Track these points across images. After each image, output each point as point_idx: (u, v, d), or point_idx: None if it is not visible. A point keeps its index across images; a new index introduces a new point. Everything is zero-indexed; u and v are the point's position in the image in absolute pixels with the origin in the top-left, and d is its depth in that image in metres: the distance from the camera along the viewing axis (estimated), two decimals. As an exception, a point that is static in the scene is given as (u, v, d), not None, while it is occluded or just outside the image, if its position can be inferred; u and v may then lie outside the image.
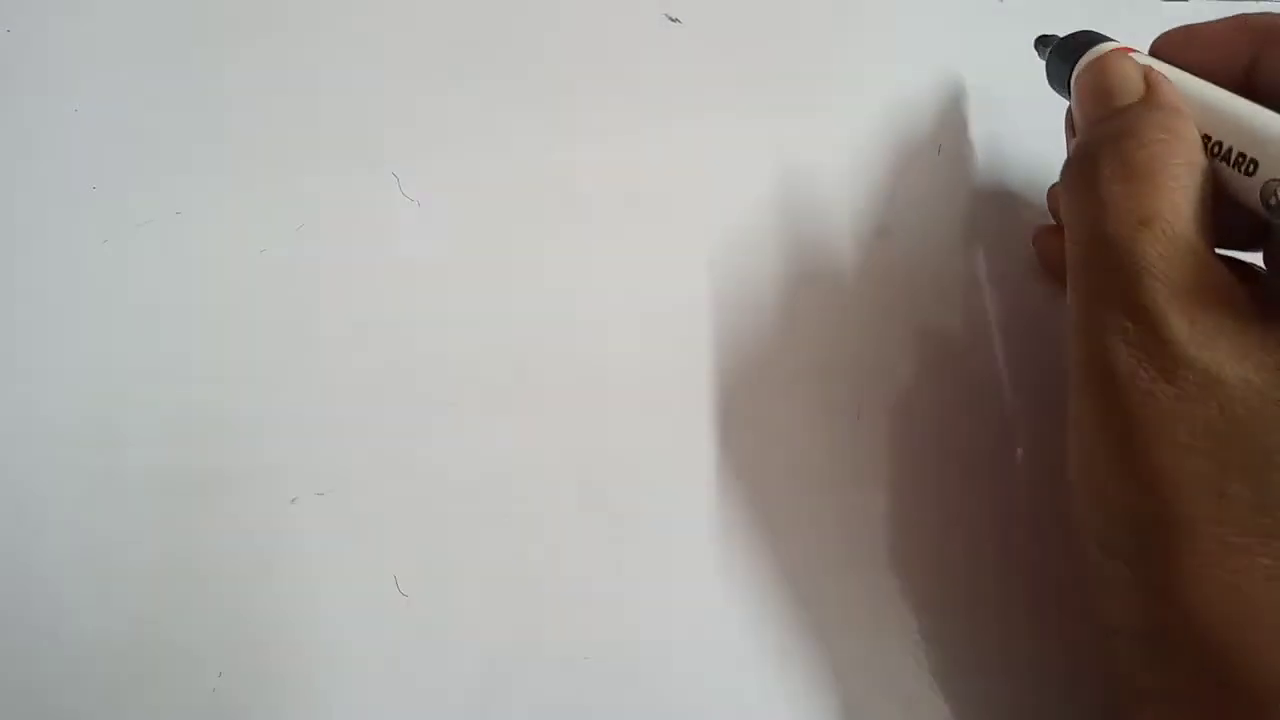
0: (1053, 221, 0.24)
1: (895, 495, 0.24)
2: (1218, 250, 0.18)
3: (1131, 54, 0.20)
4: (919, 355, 0.25)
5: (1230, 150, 0.18)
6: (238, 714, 0.22)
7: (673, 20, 0.25)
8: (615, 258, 0.24)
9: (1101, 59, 0.20)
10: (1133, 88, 0.19)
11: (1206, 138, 0.18)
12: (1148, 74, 0.19)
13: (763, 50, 0.25)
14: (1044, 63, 0.23)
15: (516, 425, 0.24)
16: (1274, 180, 0.17)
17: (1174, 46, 0.20)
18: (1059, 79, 0.22)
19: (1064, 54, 0.22)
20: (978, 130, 0.26)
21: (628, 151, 0.25)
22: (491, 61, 0.24)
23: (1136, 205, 0.17)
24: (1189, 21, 0.21)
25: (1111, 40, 0.21)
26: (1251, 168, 0.18)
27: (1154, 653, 0.17)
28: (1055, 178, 0.20)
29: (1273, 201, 0.17)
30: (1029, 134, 0.25)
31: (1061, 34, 0.22)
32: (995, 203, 0.25)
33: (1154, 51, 0.21)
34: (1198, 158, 0.18)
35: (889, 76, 0.26)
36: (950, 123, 0.26)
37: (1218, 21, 0.20)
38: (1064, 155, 0.22)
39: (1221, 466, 0.16)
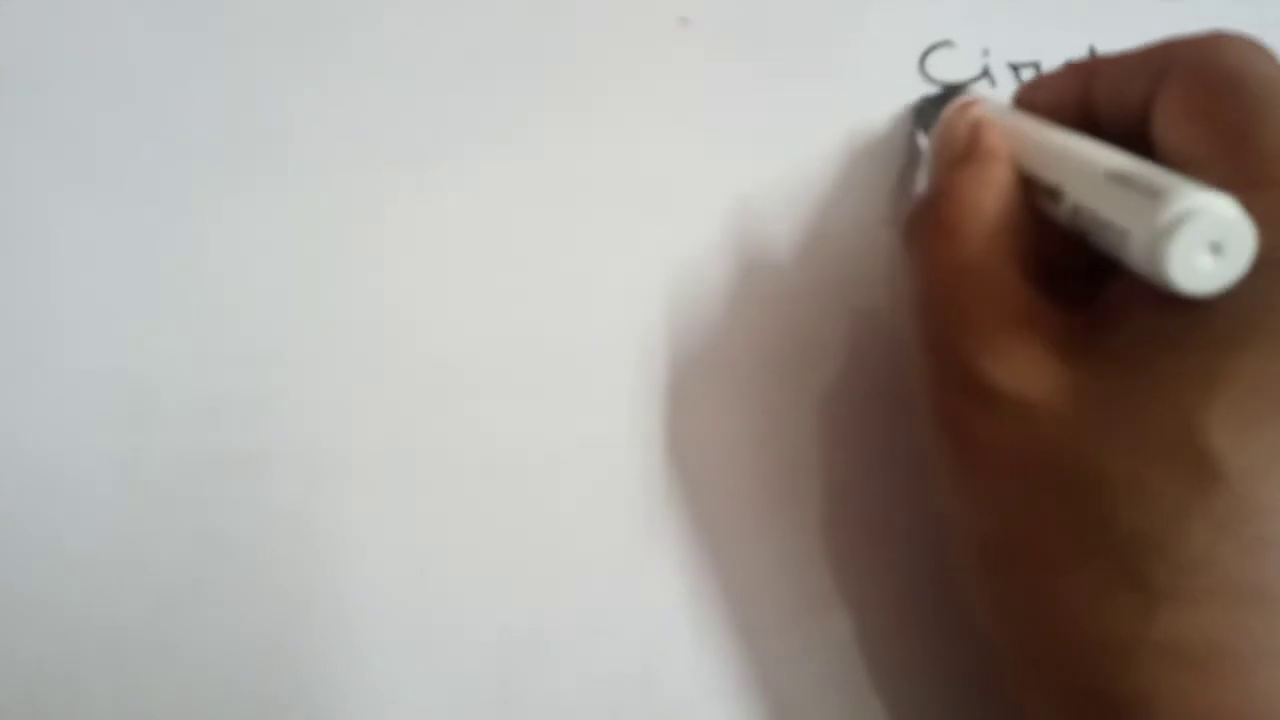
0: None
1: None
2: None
3: (974, 105, 0.22)
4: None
5: (1043, 183, 0.19)
6: (264, 693, 0.23)
7: (684, 21, 0.25)
8: (625, 254, 0.25)
9: (942, 119, 0.22)
10: (959, 143, 0.21)
11: (1031, 177, 0.19)
12: (973, 127, 0.21)
13: (775, 50, 0.26)
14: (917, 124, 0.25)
15: (536, 411, 0.25)
16: (1076, 205, 0.18)
17: (1027, 92, 0.22)
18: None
19: (928, 114, 0.24)
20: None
21: (639, 150, 0.25)
22: (504, 61, 0.25)
23: (947, 258, 0.19)
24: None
25: (963, 95, 0.23)
26: (1059, 197, 0.19)
27: (1002, 647, 0.19)
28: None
29: (1076, 221, 0.18)
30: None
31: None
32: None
33: (1016, 99, 0.22)
34: (1003, 203, 0.19)
35: (903, 72, 0.26)
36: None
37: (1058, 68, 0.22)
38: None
39: (1037, 489, 0.17)
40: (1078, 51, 0.26)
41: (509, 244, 0.25)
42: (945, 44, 0.26)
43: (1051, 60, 0.26)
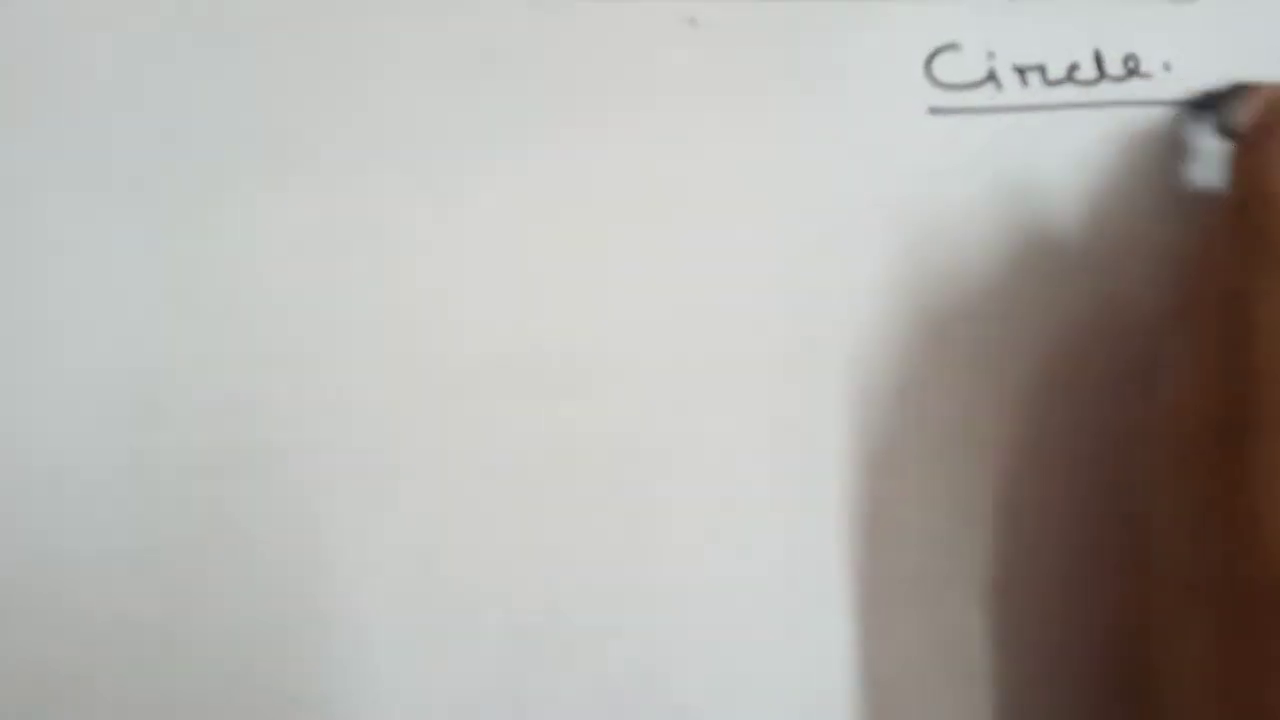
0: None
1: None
2: None
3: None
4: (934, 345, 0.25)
5: None
6: (271, 690, 0.23)
7: (693, 22, 0.25)
8: (633, 257, 0.25)
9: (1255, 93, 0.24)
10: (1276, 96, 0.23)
11: None
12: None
13: (782, 52, 0.26)
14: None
15: (544, 411, 0.25)
16: None
17: None
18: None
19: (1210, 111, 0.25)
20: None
21: (647, 151, 0.25)
22: (514, 64, 0.25)
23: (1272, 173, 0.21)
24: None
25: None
26: None
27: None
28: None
29: None
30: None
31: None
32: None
33: None
34: None
35: (910, 75, 0.26)
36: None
37: None
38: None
39: None
40: (1083, 54, 0.26)
41: (510, 245, 0.25)
42: (951, 47, 0.26)
43: (1057, 63, 0.26)
